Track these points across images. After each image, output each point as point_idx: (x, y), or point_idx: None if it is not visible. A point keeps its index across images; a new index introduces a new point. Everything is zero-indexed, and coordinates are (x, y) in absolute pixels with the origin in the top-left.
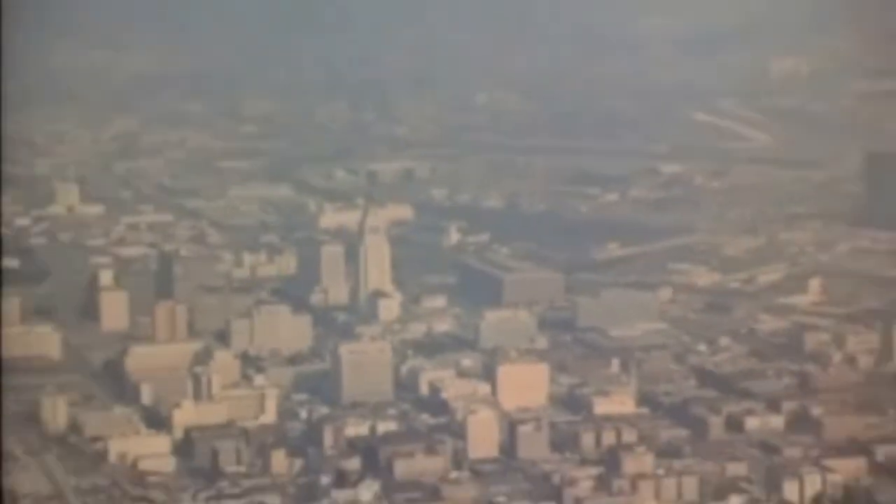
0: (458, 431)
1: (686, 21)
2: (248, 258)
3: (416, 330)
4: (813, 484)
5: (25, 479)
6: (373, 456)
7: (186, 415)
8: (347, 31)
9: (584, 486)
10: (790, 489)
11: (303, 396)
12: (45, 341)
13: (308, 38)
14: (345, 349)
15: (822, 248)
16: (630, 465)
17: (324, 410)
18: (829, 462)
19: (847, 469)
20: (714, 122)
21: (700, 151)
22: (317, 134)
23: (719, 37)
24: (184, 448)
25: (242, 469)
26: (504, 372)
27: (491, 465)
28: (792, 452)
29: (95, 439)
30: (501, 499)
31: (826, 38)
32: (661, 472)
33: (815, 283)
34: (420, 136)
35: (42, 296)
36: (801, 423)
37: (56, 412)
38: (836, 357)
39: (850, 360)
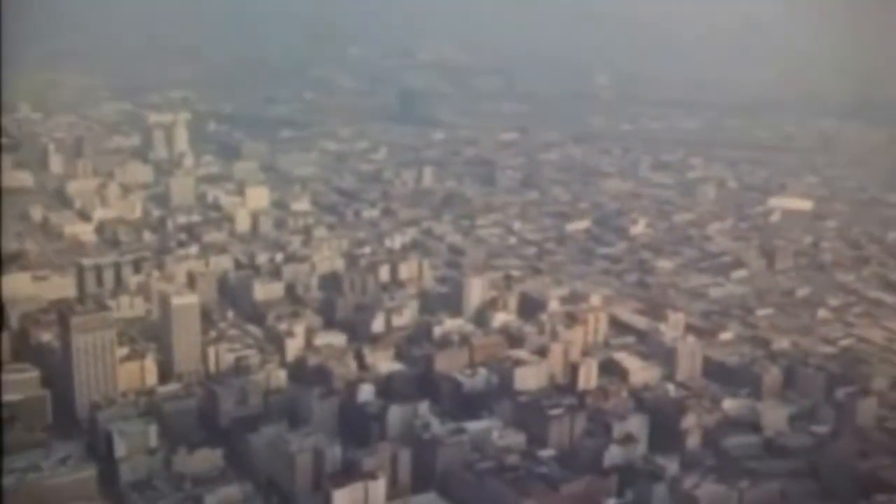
0: (229, 219)
1: None
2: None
3: (202, 171)
4: None
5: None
6: (192, 231)
7: (98, 213)
8: None
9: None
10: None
11: (153, 204)
12: (22, 179)
13: None
14: (172, 181)
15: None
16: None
17: (164, 211)
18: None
19: None
20: None
21: None
22: None
23: None
24: (99, 230)
25: (127, 240)
26: (248, 192)
27: (246, 235)
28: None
29: (57, 226)
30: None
31: None
32: (327, 236)
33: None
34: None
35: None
36: (387, 214)
37: (36, 213)
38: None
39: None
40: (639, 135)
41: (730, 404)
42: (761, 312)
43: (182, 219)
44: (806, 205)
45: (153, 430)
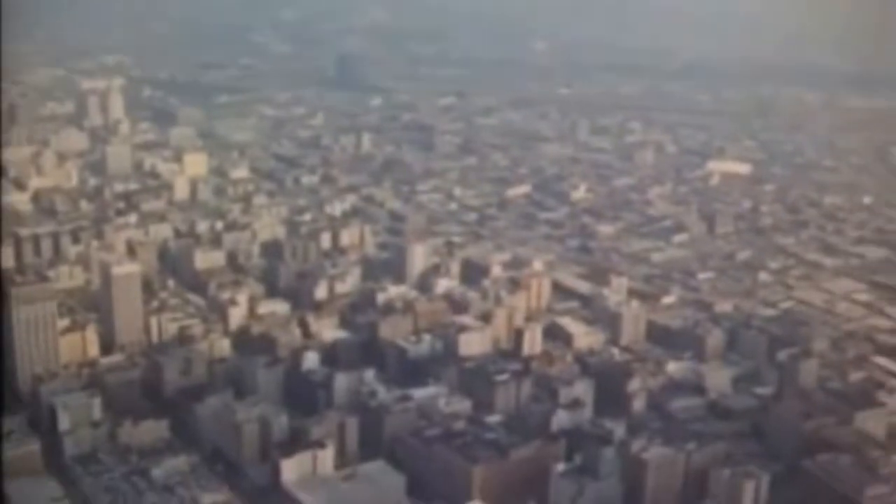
0: (167, 187)
1: None
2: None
3: (138, 138)
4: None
5: None
6: (130, 199)
7: (34, 182)
8: None
9: (233, 215)
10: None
11: (90, 172)
12: None
13: None
14: (109, 148)
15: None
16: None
17: (101, 179)
18: None
19: None
20: None
21: None
22: None
23: None
24: (35, 199)
25: (64, 209)
26: (186, 159)
27: (185, 203)
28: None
29: None
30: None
31: None
32: (267, 203)
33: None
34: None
35: None
36: (326, 180)
37: None
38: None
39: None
40: (576, 99)
41: (674, 367)
42: (703, 276)
43: (119, 187)
44: (744, 168)
45: (97, 402)
